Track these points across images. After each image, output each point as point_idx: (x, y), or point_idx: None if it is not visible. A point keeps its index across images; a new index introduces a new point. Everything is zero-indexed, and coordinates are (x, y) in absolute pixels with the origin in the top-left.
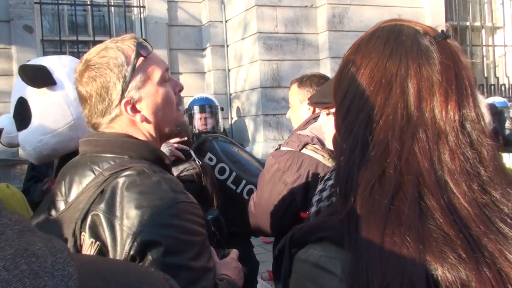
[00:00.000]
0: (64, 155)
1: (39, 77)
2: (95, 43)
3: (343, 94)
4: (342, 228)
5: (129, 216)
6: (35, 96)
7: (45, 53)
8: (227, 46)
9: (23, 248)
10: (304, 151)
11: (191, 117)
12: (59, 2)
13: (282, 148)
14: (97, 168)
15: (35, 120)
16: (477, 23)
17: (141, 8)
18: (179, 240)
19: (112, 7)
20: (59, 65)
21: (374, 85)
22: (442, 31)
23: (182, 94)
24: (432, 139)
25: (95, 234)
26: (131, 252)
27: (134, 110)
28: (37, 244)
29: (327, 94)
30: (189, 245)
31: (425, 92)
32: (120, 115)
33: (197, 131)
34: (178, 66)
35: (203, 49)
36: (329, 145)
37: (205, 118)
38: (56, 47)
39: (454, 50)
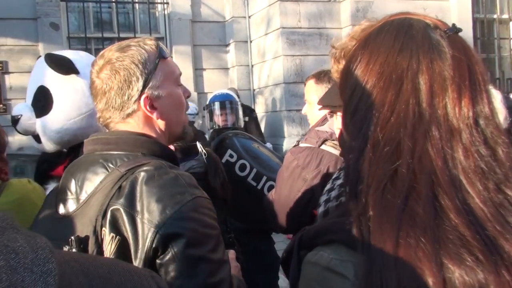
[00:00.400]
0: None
1: (65, 65)
2: (120, 39)
3: (351, 91)
4: (353, 229)
5: (150, 210)
6: (59, 84)
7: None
8: (251, 41)
9: (3, 245)
10: (323, 147)
11: (211, 113)
12: None
13: (301, 145)
14: (110, 165)
15: (58, 106)
16: (505, 16)
17: (165, 5)
18: (199, 233)
19: (137, 4)
20: (78, 57)
21: (384, 81)
22: (454, 24)
23: (206, 89)
24: (445, 137)
25: (116, 228)
26: (154, 245)
27: (152, 107)
28: (18, 241)
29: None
30: (208, 238)
31: (437, 88)
32: (137, 111)
33: (217, 127)
34: (201, 62)
35: (227, 45)
36: None
37: (226, 114)
38: (82, 44)
39: (466, 44)
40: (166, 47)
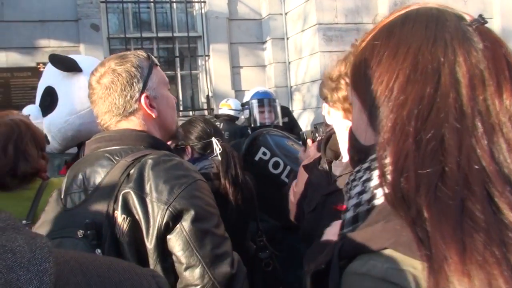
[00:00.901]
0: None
1: (68, 63)
2: (158, 39)
3: (376, 86)
4: (407, 235)
5: (159, 190)
6: (63, 82)
7: (111, 50)
8: (287, 38)
9: (1, 245)
10: None
11: (250, 110)
12: (124, 0)
13: None
14: (116, 157)
15: (62, 103)
16: None
17: (202, 4)
18: (204, 209)
19: (174, 4)
20: (83, 58)
21: (420, 74)
22: (480, 15)
23: (244, 87)
24: (489, 132)
25: (127, 210)
26: (164, 220)
27: (151, 106)
28: (18, 241)
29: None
30: (212, 215)
31: (476, 81)
32: (139, 110)
33: (256, 125)
34: (238, 60)
35: (264, 42)
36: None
37: (265, 112)
38: (121, 44)
39: (496, 35)
40: (204, 46)
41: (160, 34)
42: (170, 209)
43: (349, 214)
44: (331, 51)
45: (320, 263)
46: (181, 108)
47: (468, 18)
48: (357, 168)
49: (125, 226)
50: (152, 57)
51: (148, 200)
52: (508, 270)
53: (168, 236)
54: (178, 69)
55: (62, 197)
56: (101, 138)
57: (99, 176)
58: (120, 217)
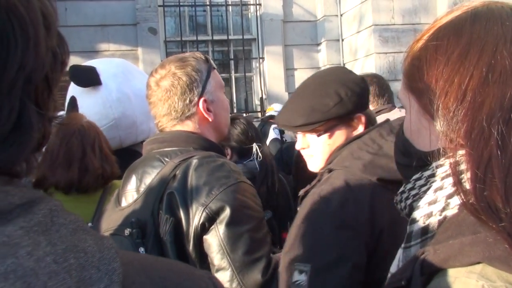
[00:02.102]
0: (121, 153)
1: (86, 77)
2: (213, 42)
3: (445, 86)
4: (502, 248)
5: (199, 191)
6: (83, 95)
7: (167, 53)
8: (342, 40)
9: (74, 245)
10: None
11: None
12: (181, 4)
13: None
14: (166, 159)
15: None
16: None
17: (257, 6)
18: (241, 211)
19: (230, 6)
20: (109, 66)
21: (498, 74)
22: None
23: None
24: None
25: (170, 210)
26: (201, 221)
27: (208, 110)
28: (88, 242)
29: (309, 113)
30: (250, 218)
31: None
32: (196, 114)
33: None
34: (293, 62)
35: (318, 44)
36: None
37: None
38: (177, 47)
39: None
40: (258, 48)
41: (216, 37)
42: (206, 210)
43: (417, 226)
44: (387, 52)
45: (398, 279)
46: (234, 110)
47: None
48: (416, 176)
49: (168, 226)
50: (210, 60)
51: (189, 200)
52: None
53: (204, 237)
54: (233, 72)
55: (118, 196)
56: (155, 140)
57: (150, 177)
58: (163, 217)
